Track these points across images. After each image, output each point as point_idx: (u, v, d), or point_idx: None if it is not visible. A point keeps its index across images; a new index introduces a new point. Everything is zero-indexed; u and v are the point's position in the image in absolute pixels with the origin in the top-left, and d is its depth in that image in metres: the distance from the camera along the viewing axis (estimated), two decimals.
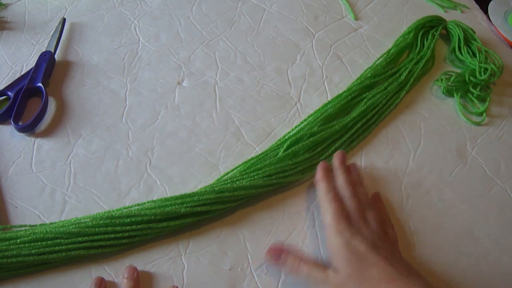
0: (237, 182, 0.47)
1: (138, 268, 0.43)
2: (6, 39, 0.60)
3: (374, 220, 0.44)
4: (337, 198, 0.44)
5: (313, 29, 0.65)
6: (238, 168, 0.49)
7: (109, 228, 0.43)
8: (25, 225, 0.44)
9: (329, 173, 0.47)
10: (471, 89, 0.58)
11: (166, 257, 0.44)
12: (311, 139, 0.51)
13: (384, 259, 0.39)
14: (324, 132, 0.52)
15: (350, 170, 0.48)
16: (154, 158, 0.51)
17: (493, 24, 0.68)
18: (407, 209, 0.48)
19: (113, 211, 0.45)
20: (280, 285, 0.43)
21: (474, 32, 0.64)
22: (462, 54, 0.62)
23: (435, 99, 0.59)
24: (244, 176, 0.48)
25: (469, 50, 0.63)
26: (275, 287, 0.43)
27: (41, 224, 0.45)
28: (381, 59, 0.61)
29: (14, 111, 0.52)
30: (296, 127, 0.53)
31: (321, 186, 0.46)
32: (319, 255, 0.45)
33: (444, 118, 0.57)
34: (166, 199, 0.45)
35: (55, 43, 0.59)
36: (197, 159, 0.51)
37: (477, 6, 0.72)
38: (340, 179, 0.46)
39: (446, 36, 0.66)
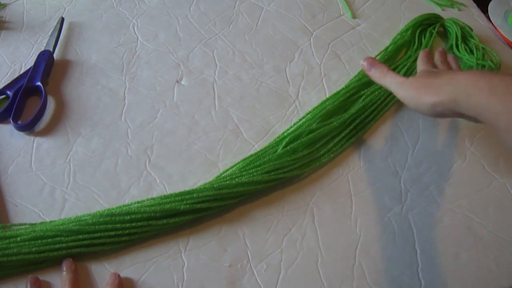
0: (236, 179, 0.47)
1: (138, 264, 0.43)
2: (5, 38, 0.61)
3: None
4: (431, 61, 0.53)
5: (311, 27, 0.66)
6: (237, 165, 0.50)
7: (109, 225, 0.43)
8: (25, 224, 0.44)
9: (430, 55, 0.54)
10: None
11: (166, 254, 0.44)
12: (309, 136, 0.51)
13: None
14: (322, 128, 0.52)
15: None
16: (153, 156, 0.51)
17: (493, 24, 0.68)
18: (406, 205, 0.49)
19: (113, 208, 0.45)
20: (280, 281, 0.43)
21: (472, 30, 0.65)
22: (459, 51, 0.62)
23: None
24: (243, 173, 0.48)
25: (466, 47, 0.63)
26: (275, 283, 0.43)
27: (41, 223, 0.45)
28: (379, 57, 0.61)
29: (13, 110, 0.52)
30: (294, 124, 0.53)
31: (419, 57, 0.54)
32: (319, 250, 0.45)
33: None
34: (166, 196, 0.46)
35: (53, 42, 0.59)
36: (196, 157, 0.51)
37: (474, 4, 0.72)
38: (437, 58, 0.55)
39: (444, 34, 0.67)
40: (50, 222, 0.44)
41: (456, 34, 0.64)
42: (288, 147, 0.50)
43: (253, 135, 0.53)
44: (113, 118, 0.54)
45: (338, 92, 0.56)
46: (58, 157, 0.50)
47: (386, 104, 0.56)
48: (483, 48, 0.62)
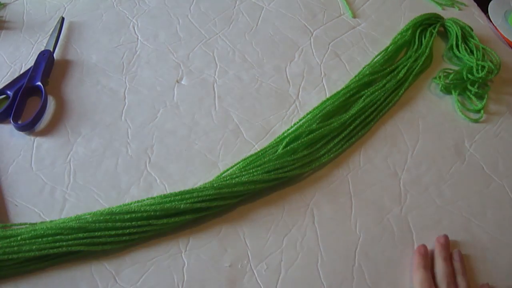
0: (236, 179, 0.47)
1: (138, 264, 0.43)
2: (5, 38, 0.61)
3: None
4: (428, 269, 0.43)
5: (311, 27, 0.66)
6: (238, 165, 0.50)
7: (109, 224, 0.43)
8: (25, 223, 0.45)
9: (427, 259, 0.44)
10: (469, 86, 0.58)
11: (166, 254, 0.44)
12: (310, 136, 0.51)
13: None
14: (323, 129, 0.52)
15: (452, 258, 0.45)
16: (153, 156, 0.51)
17: (493, 24, 0.68)
18: (405, 206, 0.49)
19: (113, 207, 0.45)
20: (280, 281, 0.43)
21: (472, 30, 0.65)
22: (459, 52, 0.62)
23: (433, 96, 0.59)
24: (244, 173, 0.48)
25: (466, 47, 0.63)
26: (275, 284, 0.43)
27: (41, 222, 0.45)
28: (379, 57, 0.61)
29: (13, 110, 0.52)
30: (295, 124, 0.54)
31: (417, 275, 0.43)
32: (319, 251, 0.45)
33: (442, 115, 0.57)
34: (166, 196, 0.46)
35: (54, 42, 0.59)
36: (197, 157, 0.51)
37: (475, 4, 0.72)
38: (440, 268, 0.43)
39: (444, 34, 0.67)
40: (51, 221, 0.45)
41: (456, 34, 0.64)
42: (288, 147, 0.50)
43: (253, 135, 0.53)
44: (113, 118, 0.54)
45: (338, 92, 0.56)
46: (58, 157, 0.50)
47: (386, 104, 0.56)
48: (483, 48, 0.62)
